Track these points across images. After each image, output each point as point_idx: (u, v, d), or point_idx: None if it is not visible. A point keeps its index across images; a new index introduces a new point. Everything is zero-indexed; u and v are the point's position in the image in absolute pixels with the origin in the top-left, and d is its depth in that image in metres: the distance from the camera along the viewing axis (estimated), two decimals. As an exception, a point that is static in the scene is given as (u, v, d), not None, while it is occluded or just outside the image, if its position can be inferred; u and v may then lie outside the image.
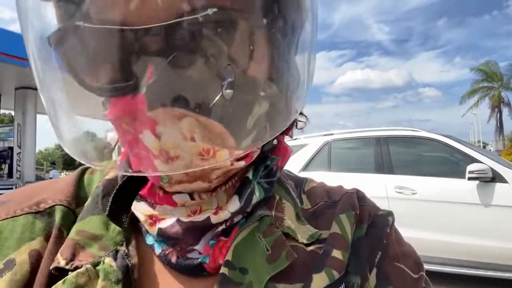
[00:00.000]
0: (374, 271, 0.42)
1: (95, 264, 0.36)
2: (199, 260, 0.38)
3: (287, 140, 0.49)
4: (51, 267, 0.36)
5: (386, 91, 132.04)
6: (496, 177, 3.67)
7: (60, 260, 0.36)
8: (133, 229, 0.41)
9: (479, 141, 34.81)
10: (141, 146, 0.32)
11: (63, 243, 0.38)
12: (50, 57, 0.32)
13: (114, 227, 0.39)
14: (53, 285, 0.35)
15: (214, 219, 0.38)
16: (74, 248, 0.37)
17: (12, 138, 11.20)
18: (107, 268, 0.35)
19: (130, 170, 0.35)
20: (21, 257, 0.37)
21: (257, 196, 0.41)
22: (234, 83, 0.31)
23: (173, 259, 0.39)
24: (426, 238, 3.75)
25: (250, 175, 0.41)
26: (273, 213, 0.42)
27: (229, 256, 0.37)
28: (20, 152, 10.24)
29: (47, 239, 0.39)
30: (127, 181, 0.39)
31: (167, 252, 0.39)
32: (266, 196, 0.42)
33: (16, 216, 0.40)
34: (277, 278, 0.37)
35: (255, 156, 0.40)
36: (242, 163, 0.38)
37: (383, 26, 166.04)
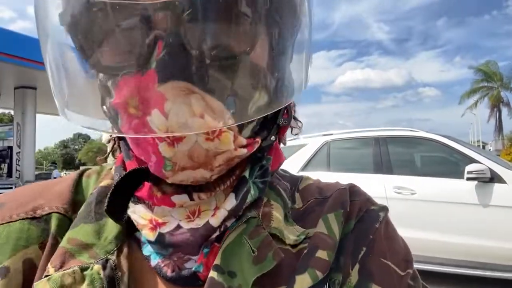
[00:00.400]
0: (357, 267, 0.41)
1: (83, 269, 0.36)
2: (193, 269, 0.37)
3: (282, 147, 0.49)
4: (43, 277, 0.35)
5: (386, 90, 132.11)
6: (494, 178, 3.68)
7: (50, 269, 0.36)
8: (127, 239, 0.40)
9: (478, 141, 34.84)
10: (147, 130, 0.32)
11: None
12: (62, 41, 0.33)
13: (106, 236, 0.39)
14: None
15: (214, 221, 0.38)
16: (64, 257, 0.37)
17: (12, 138, 11.18)
18: (94, 275, 0.35)
19: (131, 133, 0.34)
20: (15, 265, 0.37)
21: (252, 195, 0.41)
22: (238, 65, 0.33)
23: (169, 272, 0.38)
24: (424, 238, 3.76)
25: (247, 174, 0.41)
26: (260, 214, 0.42)
27: (217, 260, 0.37)
28: (19, 152, 10.22)
29: (42, 247, 0.39)
30: (125, 178, 0.38)
31: (163, 265, 0.38)
32: (260, 195, 0.42)
33: (12, 221, 0.40)
34: (263, 281, 0.36)
35: (255, 147, 0.40)
36: (244, 151, 0.37)
37: (383, 26, 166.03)
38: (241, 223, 0.40)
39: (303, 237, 0.41)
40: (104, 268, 0.36)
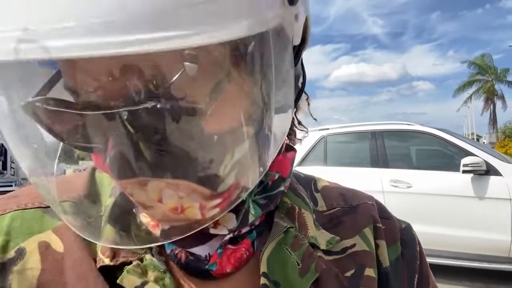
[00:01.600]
0: None
1: (140, 260, 0.38)
2: (206, 267, 0.39)
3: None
4: (97, 266, 0.37)
5: (380, 84, 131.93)
6: (490, 170, 3.71)
7: (104, 259, 0.37)
8: None
9: (472, 134, 35.03)
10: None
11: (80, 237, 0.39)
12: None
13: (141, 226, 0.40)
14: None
15: (213, 231, 0.39)
16: (112, 247, 0.38)
17: (6, 135, 11.03)
18: (152, 262, 0.37)
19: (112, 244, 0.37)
20: (31, 246, 0.38)
21: (253, 215, 0.41)
22: (191, 156, 0.30)
23: (182, 259, 0.39)
24: (421, 231, 3.76)
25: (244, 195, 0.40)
26: (297, 224, 0.43)
27: (264, 268, 0.38)
28: (14, 149, 10.12)
29: (55, 231, 0.40)
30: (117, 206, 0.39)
31: (176, 252, 0.40)
32: (267, 210, 0.42)
33: (26, 208, 0.41)
34: None
35: (233, 198, 0.35)
36: (215, 211, 0.34)
37: (378, 19, 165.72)
38: (279, 233, 0.41)
39: (334, 242, 0.43)
40: (152, 255, 0.38)
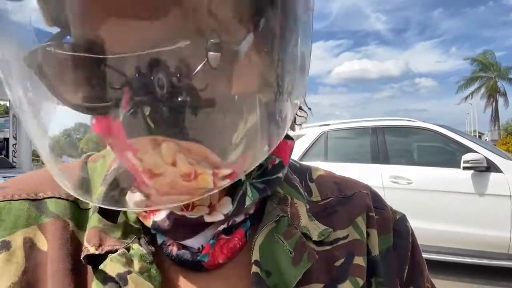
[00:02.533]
0: None
1: (127, 249, 0.37)
2: (198, 258, 0.38)
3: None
4: (82, 257, 0.36)
5: (383, 81, 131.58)
6: (490, 167, 3.71)
7: (89, 248, 0.36)
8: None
9: (474, 131, 34.98)
10: (127, 162, 0.32)
11: (71, 234, 0.39)
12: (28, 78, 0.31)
13: (131, 215, 0.40)
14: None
15: (208, 218, 0.38)
16: (99, 236, 0.37)
17: (8, 129, 11.13)
18: (139, 252, 0.36)
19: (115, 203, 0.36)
20: (16, 241, 0.37)
21: (250, 198, 0.40)
22: (212, 105, 0.30)
23: (174, 251, 0.38)
24: (421, 227, 3.79)
25: (242, 177, 0.40)
26: (289, 213, 0.42)
27: (256, 257, 0.37)
28: (15, 143, 10.18)
29: (40, 228, 0.39)
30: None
31: (168, 243, 0.39)
32: (264, 195, 0.41)
33: (13, 200, 0.40)
34: (300, 285, 0.37)
35: (242, 171, 0.35)
36: (226, 182, 0.34)
37: (381, 16, 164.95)
38: (271, 222, 0.40)
39: (326, 234, 0.42)
40: (140, 245, 0.37)
